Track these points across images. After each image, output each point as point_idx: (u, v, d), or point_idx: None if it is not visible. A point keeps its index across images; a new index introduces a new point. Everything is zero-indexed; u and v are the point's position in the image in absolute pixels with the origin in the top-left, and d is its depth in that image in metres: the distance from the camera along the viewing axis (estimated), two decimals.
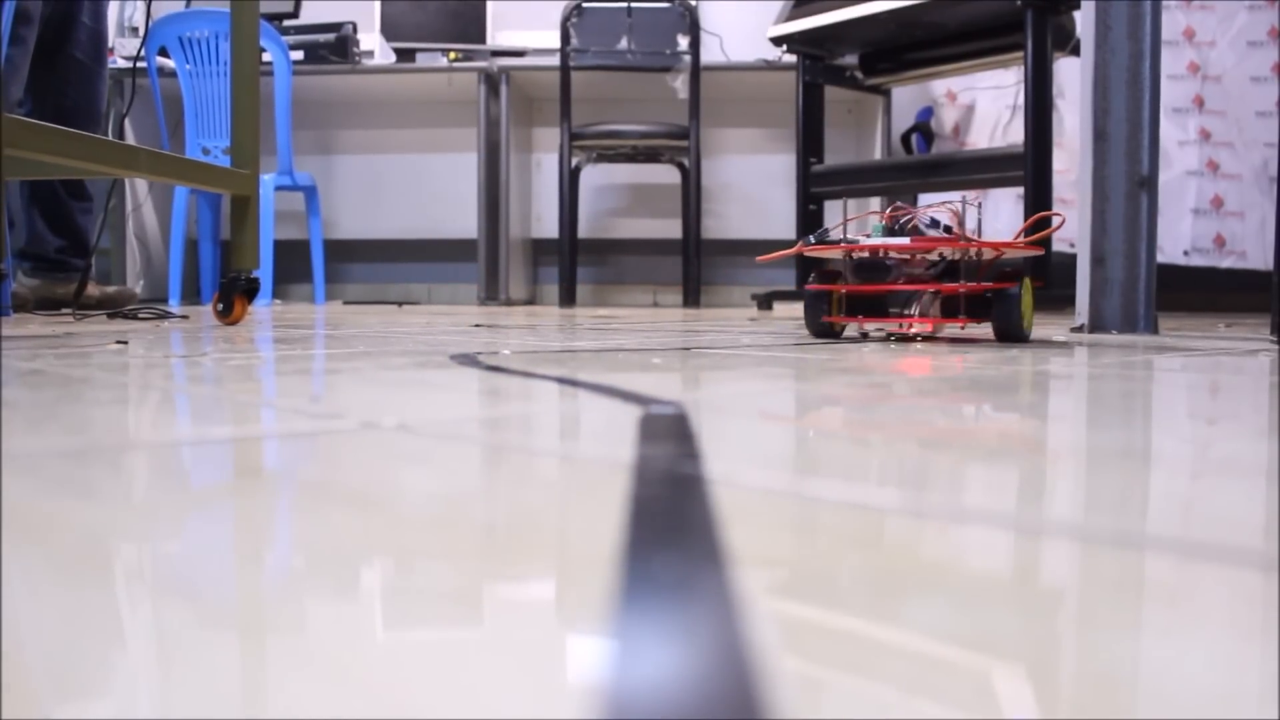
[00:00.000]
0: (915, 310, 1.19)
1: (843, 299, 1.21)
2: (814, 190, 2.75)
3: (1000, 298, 1.13)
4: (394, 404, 0.55)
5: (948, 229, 1.13)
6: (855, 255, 1.20)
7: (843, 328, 1.24)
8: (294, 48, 3.19)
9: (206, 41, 2.85)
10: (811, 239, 1.20)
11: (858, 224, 1.20)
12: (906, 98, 3.30)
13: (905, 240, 1.13)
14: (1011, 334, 1.13)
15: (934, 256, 1.17)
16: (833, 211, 2.75)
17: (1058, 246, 2.36)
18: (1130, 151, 1.37)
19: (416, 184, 3.69)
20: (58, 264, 2.13)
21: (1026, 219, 2.30)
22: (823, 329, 1.23)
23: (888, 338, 1.21)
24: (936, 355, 0.95)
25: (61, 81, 2.05)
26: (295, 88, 3.09)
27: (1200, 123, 2.97)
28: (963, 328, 1.26)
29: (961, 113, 3.28)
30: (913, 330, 1.21)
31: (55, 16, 2.01)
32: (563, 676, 0.18)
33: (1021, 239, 1.20)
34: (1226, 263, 2.96)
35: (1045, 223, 1.20)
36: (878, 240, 1.15)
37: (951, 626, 0.20)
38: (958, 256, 1.17)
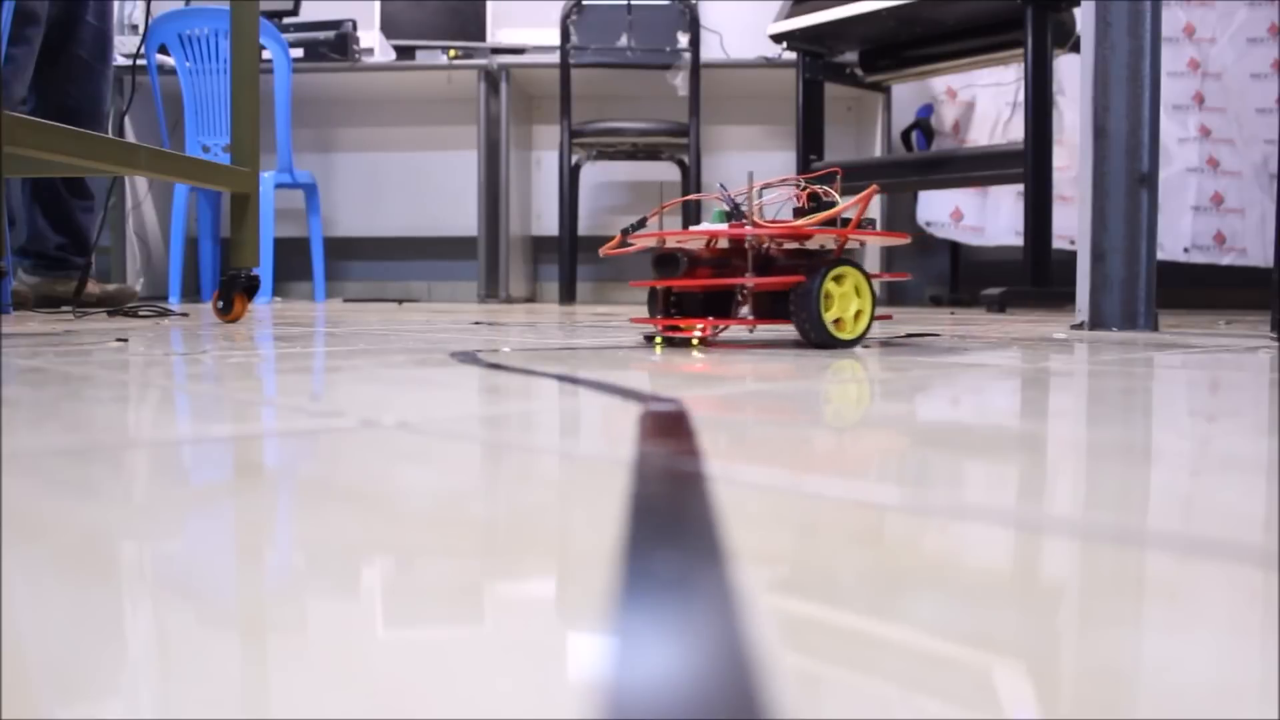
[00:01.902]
0: (745, 310, 1.00)
1: (667, 296, 1.04)
2: None
3: (795, 293, 0.95)
4: (394, 402, 0.55)
5: (738, 214, 0.98)
6: (656, 248, 1.04)
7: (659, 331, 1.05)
8: (294, 45, 3.19)
9: (206, 39, 2.85)
10: (629, 228, 1.07)
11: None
12: (906, 95, 3.30)
13: (717, 227, 0.99)
14: (812, 337, 0.95)
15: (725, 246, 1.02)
16: None
17: (1057, 244, 2.36)
18: (1130, 148, 1.37)
19: (416, 182, 3.69)
20: (58, 261, 2.14)
21: (1027, 215, 2.31)
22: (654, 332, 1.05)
23: (654, 340, 1.04)
24: (718, 362, 0.82)
25: (65, 80, 2.05)
26: (295, 85, 3.09)
27: (1200, 120, 2.97)
28: (751, 330, 1.09)
29: (962, 110, 3.27)
30: (694, 333, 1.03)
31: (61, 16, 2.01)
32: (563, 674, 0.18)
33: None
34: (1226, 260, 2.96)
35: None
36: (665, 231, 1.03)
37: (952, 623, 0.20)
38: (764, 246, 1.00)
